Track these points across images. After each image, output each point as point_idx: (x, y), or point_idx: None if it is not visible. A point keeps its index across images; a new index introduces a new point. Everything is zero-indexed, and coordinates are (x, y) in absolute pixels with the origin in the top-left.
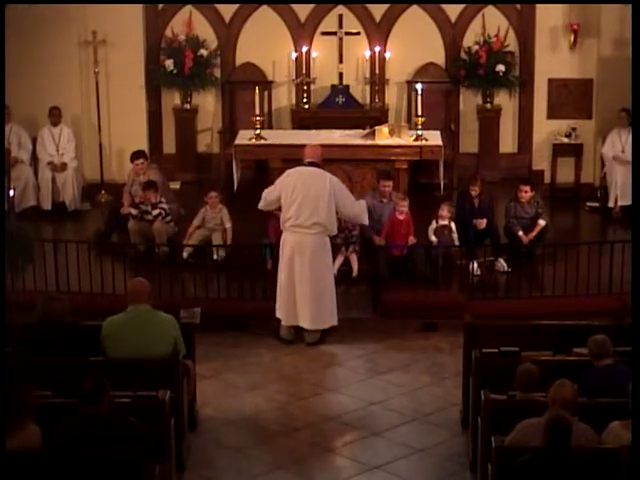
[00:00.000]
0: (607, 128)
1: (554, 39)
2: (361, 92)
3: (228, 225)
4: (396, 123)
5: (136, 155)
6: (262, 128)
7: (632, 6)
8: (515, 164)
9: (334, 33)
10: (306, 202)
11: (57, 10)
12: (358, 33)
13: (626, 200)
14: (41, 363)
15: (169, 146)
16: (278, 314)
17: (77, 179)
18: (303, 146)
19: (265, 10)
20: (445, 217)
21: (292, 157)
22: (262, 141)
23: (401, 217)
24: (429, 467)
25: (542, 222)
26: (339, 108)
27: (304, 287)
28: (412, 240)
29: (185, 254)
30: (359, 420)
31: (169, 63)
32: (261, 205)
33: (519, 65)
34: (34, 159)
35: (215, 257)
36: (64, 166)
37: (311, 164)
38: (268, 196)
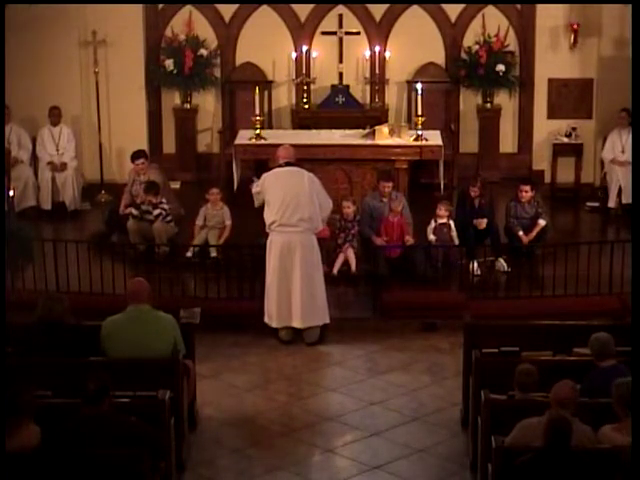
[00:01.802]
0: (607, 128)
1: (554, 39)
2: (361, 92)
3: (228, 222)
4: (396, 123)
5: (137, 155)
6: (262, 128)
7: (632, 6)
8: (515, 164)
9: (334, 33)
10: (287, 201)
11: (57, 10)
12: (358, 33)
13: (627, 198)
14: (41, 363)
15: (169, 146)
16: (268, 319)
17: (77, 179)
18: (303, 146)
19: (265, 10)
20: (443, 216)
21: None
22: (262, 141)
23: (393, 220)
24: (429, 467)
25: (542, 222)
26: (339, 108)
27: (295, 286)
28: (409, 240)
29: (189, 253)
30: (359, 420)
31: (169, 63)
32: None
33: (519, 65)
34: (34, 159)
35: (214, 255)
36: (64, 166)
37: (287, 164)
38: (257, 200)
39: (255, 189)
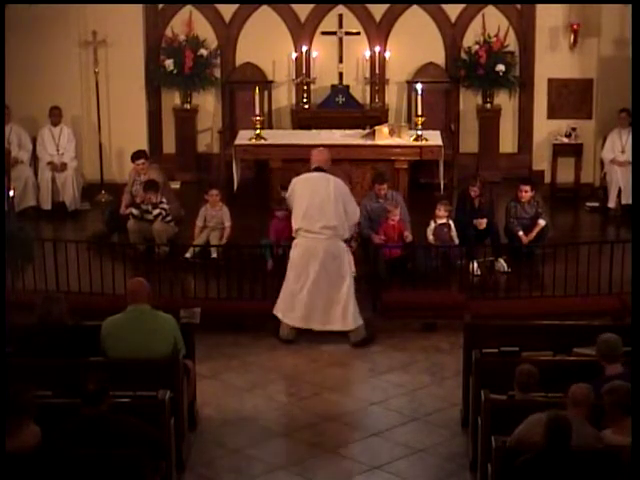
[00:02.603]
0: (607, 128)
1: (554, 39)
2: (361, 92)
3: (227, 224)
4: (396, 123)
5: (137, 155)
6: (262, 128)
7: (632, 6)
8: (515, 164)
9: (334, 33)
10: (312, 209)
11: (57, 10)
12: (358, 33)
13: (627, 199)
14: (41, 363)
15: (169, 146)
16: (282, 314)
17: (77, 179)
18: (303, 146)
19: (265, 10)
20: (442, 216)
21: (292, 157)
22: (262, 141)
23: (394, 222)
24: (429, 467)
25: (542, 222)
26: (339, 108)
27: (316, 290)
28: (408, 236)
29: (188, 254)
30: (359, 420)
31: (169, 63)
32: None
33: (519, 65)
34: (34, 159)
35: (214, 255)
36: (64, 166)
37: (316, 169)
38: (289, 204)
39: (286, 194)
